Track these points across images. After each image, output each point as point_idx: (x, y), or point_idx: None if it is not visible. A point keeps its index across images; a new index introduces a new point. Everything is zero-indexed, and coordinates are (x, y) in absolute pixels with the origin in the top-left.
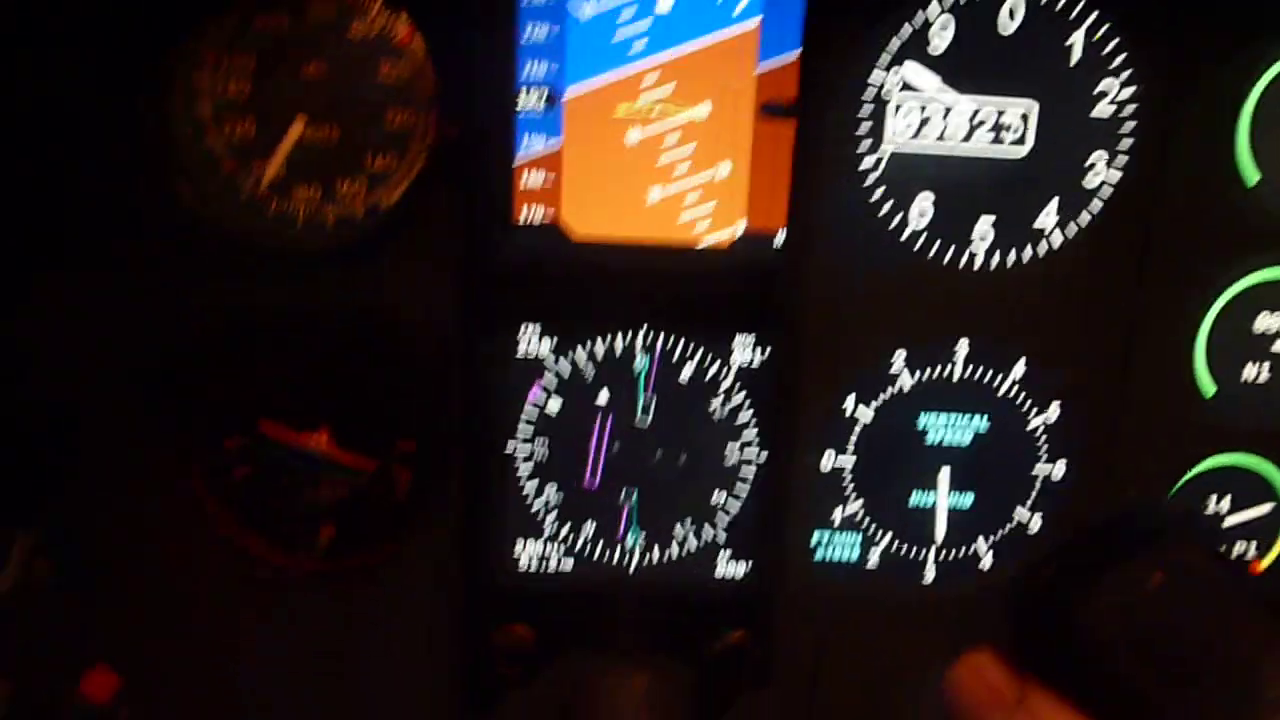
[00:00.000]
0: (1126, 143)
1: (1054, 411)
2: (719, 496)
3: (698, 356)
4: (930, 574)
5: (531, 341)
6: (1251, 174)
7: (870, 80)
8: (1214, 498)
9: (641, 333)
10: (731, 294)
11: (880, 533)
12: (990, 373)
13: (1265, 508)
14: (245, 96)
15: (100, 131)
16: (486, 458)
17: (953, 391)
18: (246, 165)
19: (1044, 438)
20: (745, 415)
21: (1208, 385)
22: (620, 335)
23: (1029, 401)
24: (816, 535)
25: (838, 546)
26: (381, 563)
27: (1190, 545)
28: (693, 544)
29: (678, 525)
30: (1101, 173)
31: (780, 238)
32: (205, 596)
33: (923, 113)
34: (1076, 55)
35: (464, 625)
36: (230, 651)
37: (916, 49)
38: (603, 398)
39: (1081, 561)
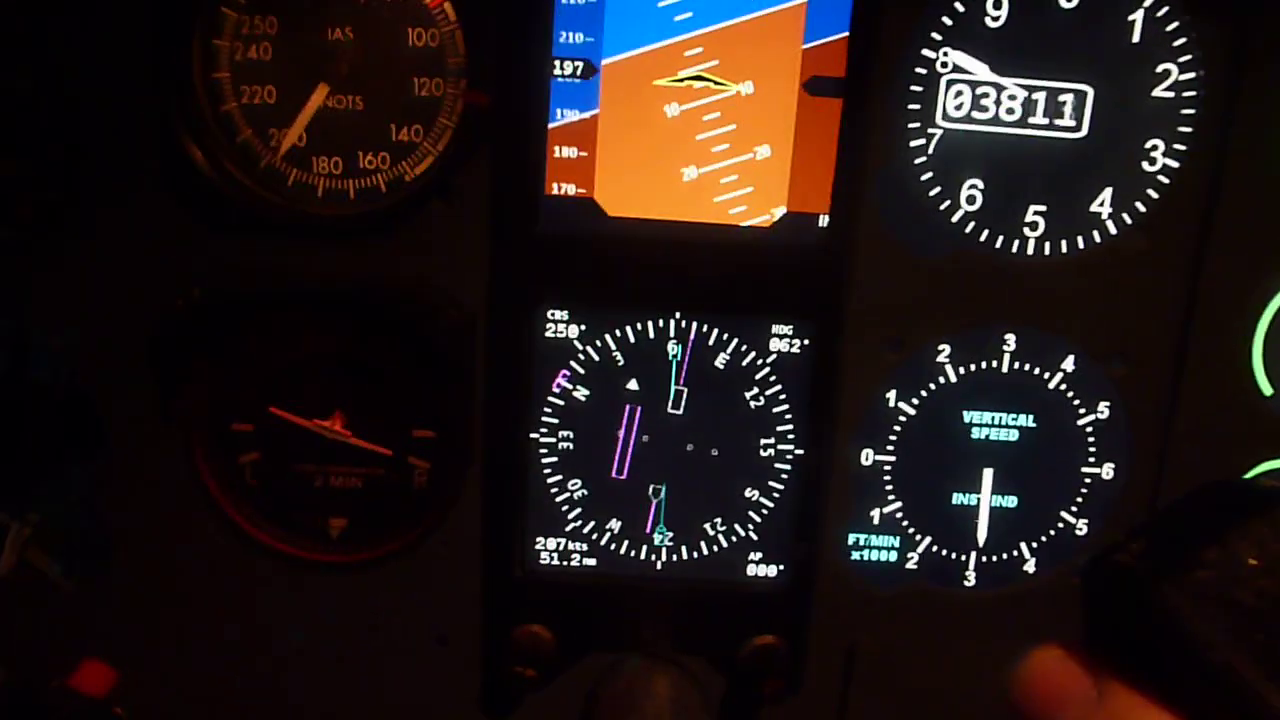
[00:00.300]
0: (1186, 128)
1: (1103, 410)
2: (752, 492)
3: (733, 343)
4: (972, 578)
5: (560, 325)
6: None
7: (922, 55)
8: None
9: (675, 317)
10: (771, 278)
11: (920, 534)
12: (1038, 367)
13: None
14: (266, 62)
15: (114, 95)
16: (509, 447)
17: (999, 386)
18: (265, 133)
19: (1093, 437)
20: (781, 407)
21: (1266, 384)
22: (652, 320)
23: (1078, 399)
24: (854, 535)
25: (876, 548)
26: (396, 556)
27: None
28: (723, 542)
29: (708, 522)
30: (1159, 159)
31: (824, 219)
32: (213, 588)
33: (975, 91)
34: (1137, 34)
35: (483, 622)
36: (238, 645)
37: (972, 24)
38: (632, 386)
39: (1172, 536)
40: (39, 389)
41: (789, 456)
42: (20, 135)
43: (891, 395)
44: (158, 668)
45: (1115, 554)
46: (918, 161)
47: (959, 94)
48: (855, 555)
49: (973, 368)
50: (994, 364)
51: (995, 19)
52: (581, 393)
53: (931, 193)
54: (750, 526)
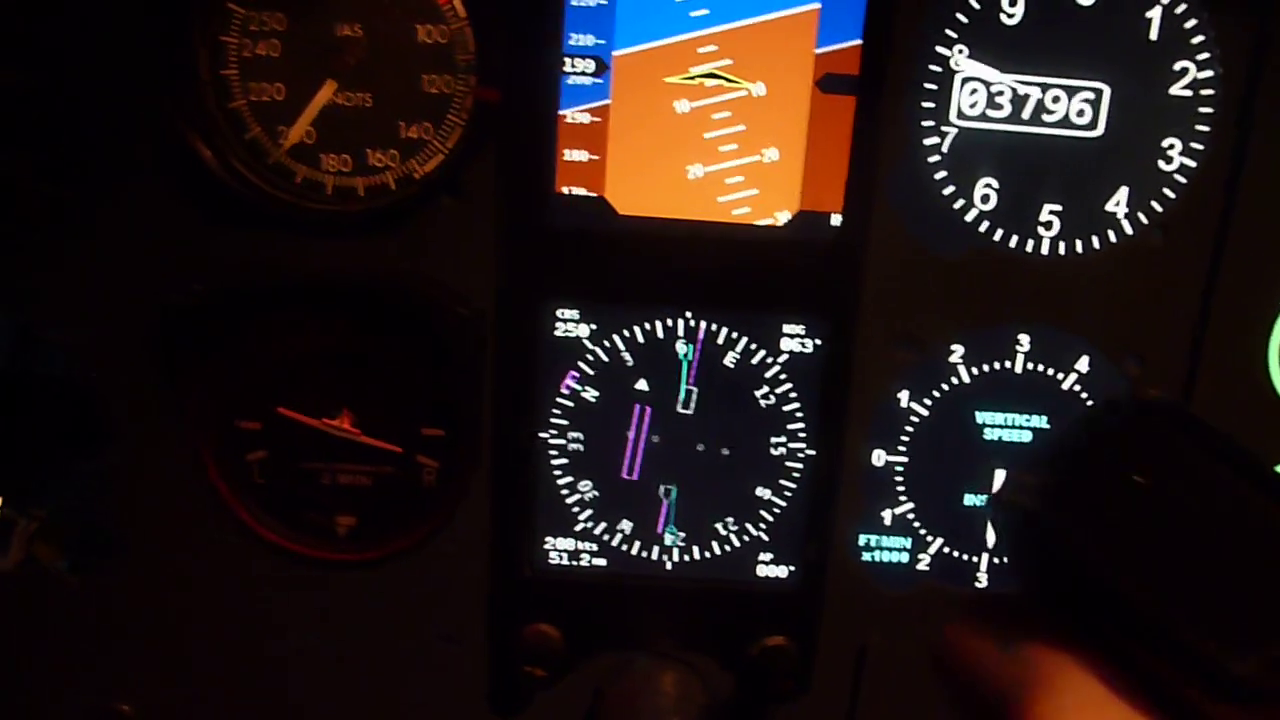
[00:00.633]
0: (1204, 127)
1: None
2: (763, 492)
3: (743, 342)
4: (984, 579)
5: (569, 324)
6: None
7: (937, 53)
8: None
9: (685, 317)
10: (783, 276)
11: (932, 535)
12: (1052, 368)
13: None
14: (274, 57)
15: (120, 92)
16: (518, 447)
17: (1013, 387)
18: (273, 130)
19: None
20: (792, 405)
21: None
22: (661, 320)
23: (1092, 399)
24: (865, 536)
25: (887, 549)
26: (404, 554)
27: (1165, 437)
28: (734, 542)
29: (719, 522)
30: (1176, 158)
31: (837, 218)
32: (220, 585)
33: (990, 89)
34: (1155, 31)
35: (491, 621)
36: (245, 643)
37: (988, 21)
38: (641, 386)
39: (1064, 466)
40: (44, 384)
41: (800, 456)
42: (26, 131)
43: (904, 395)
44: (164, 666)
45: (1009, 491)
46: (932, 160)
47: (974, 92)
48: (866, 556)
49: (986, 368)
50: (1007, 364)
51: (1011, 16)
52: (591, 393)
53: (945, 191)
54: (761, 527)
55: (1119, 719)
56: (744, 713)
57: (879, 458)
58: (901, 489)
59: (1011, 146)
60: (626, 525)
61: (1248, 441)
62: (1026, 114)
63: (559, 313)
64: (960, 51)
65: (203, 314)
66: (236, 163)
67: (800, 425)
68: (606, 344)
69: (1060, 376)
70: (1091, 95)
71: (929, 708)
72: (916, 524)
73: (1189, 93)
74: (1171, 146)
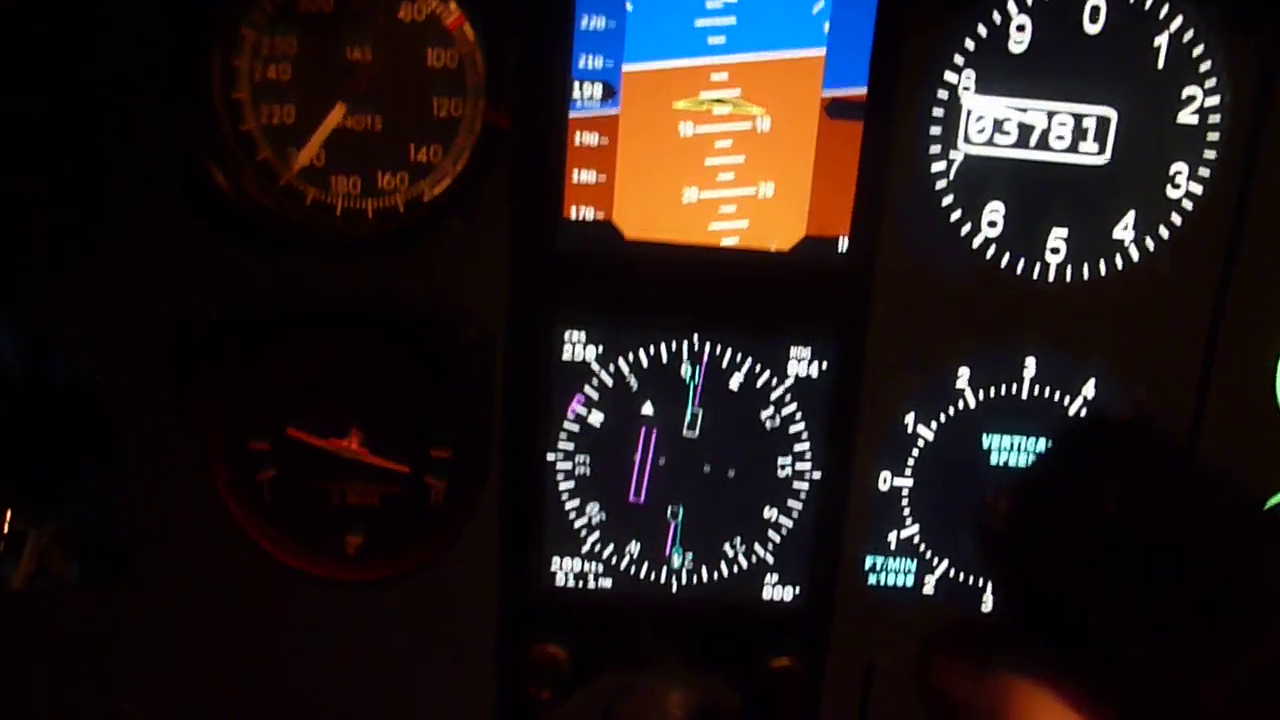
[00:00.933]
0: (1210, 153)
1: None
2: (770, 513)
3: (748, 364)
4: (989, 602)
5: (577, 347)
6: None
7: (944, 80)
8: None
9: (691, 339)
10: (791, 300)
11: (937, 558)
12: (1059, 392)
13: None
14: (285, 80)
15: (135, 114)
16: (525, 469)
17: (1019, 411)
18: (284, 152)
19: None
20: (798, 426)
21: None
22: (666, 343)
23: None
24: (871, 559)
25: (893, 571)
26: (412, 574)
27: (1135, 458)
28: (742, 563)
29: (726, 543)
30: (1183, 184)
31: (844, 242)
32: (229, 603)
33: (998, 115)
34: (1162, 59)
35: (498, 641)
36: (253, 660)
37: (994, 48)
38: (647, 409)
39: (1036, 491)
40: (56, 398)
41: (807, 477)
42: (42, 153)
43: (910, 418)
44: (173, 682)
45: (982, 517)
46: (939, 185)
47: (980, 118)
48: (872, 579)
49: (992, 392)
50: (1014, 388)
51: (1019, 43)
52: (597, 417)
53: (952, 216)
54: (768, 548)
55: None
56: None
57: (885, 480)
58: (907, 512)
59: (1019, 172)
60: (634, 547)
61: (1256, 465)
62: (1034, 140)
63: (567, 335)
64: (968, 80)
65: (212, 335)
66: (247, 184)
67: (806, 446)
68: (611, 369)
69: (1067, 401)
70: (1099, 122)
71: None
72: (922, 547)
73: (1196, 119)
74: (1179, 173)
